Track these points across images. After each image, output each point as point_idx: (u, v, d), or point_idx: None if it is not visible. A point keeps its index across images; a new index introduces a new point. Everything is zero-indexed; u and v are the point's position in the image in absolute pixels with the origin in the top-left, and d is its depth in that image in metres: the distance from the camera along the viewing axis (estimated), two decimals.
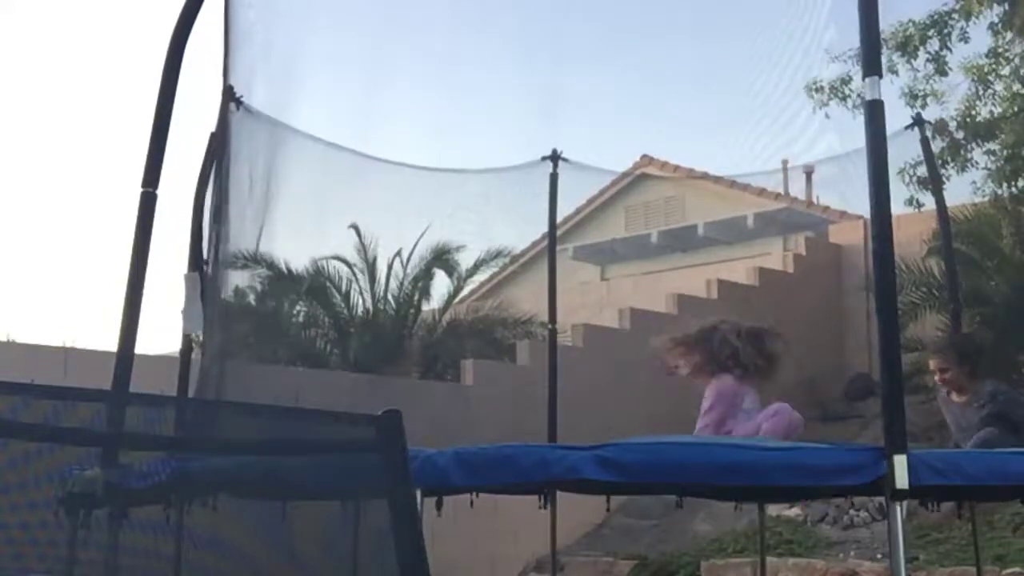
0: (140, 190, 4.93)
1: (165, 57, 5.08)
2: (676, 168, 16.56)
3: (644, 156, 17.37)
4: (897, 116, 8.68)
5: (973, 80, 12.13)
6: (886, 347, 4.02)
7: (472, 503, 5.40)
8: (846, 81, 11.93)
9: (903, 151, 8.87)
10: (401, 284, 12.17)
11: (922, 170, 10.70)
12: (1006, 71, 12.04)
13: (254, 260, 9.79)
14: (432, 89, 18.12)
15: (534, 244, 14.25)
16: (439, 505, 4.90)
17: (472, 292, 14.39)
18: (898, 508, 3.88)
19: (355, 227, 11.63)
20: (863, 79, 4.18)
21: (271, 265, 11.14)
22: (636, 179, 17.20)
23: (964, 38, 12.03)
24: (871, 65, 4.13)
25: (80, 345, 9.30)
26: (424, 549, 2.47)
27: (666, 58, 22.34)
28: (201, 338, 6.22)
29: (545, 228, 9.00)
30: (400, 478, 2.49)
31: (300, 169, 6.95)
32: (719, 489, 5.69)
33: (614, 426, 8.69)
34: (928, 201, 10.78)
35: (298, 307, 12.71)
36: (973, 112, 12.11)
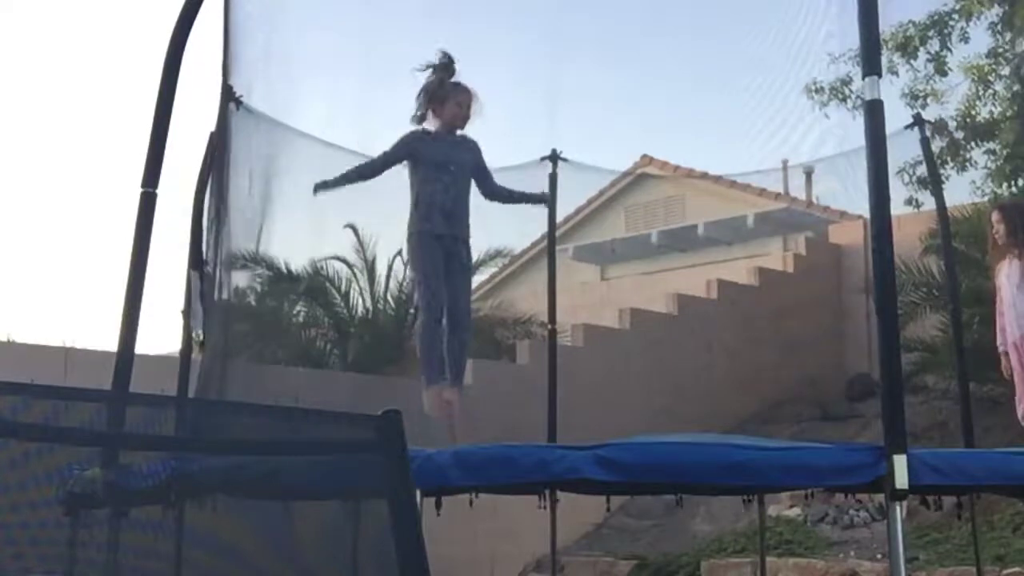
0: (140, 190, 4.93)
1: (165, 57, 5.07)
2: (676, 168, 16.56)
3: (644, 156, 17.37)
4: (897, 116, 8.69)
5: (973, 80, 12.14)
6: (886, 347, 4.03)
7: (472, 503, 5.41)
8: (846, 82, 11.93)
9: (903, 151, 8.88)
10: (401, 284, 12.16)
11: (921, 170, 10.72)
12: (1006, 71, 12.04)
13: (254, 260, 9.79)
14: None
15: (534, 244, 14.24)
16: (438, 505, 4.91)
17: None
18: (898, 508, 3.89)
19: (352, 227, 11.63)
20: (863, 78, 4.19)
21: (271, 265, 11.14)
22: (636, 179, 17.20)
23: (964, 38, 12.04)
24: (870, 65, 4.14)
25: (80, 345, 9.30)
26: (424, 549, 2.47)
27: (666, 57, 22.35)
28: (201, 338, 6.22)
29: (545, 228, 9.00)
30: (400, 478, 2.49)
31: (300, 169, 6.94)
32: (721, 486, 5.69)
33: (614, 426, 8.69)
34: (927, 201, 10.78)
35: (298, 307, 12.71)
36: (973, 112, 12.11)
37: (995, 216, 7.14)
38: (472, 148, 6.13)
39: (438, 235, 5.87)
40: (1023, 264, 6.79)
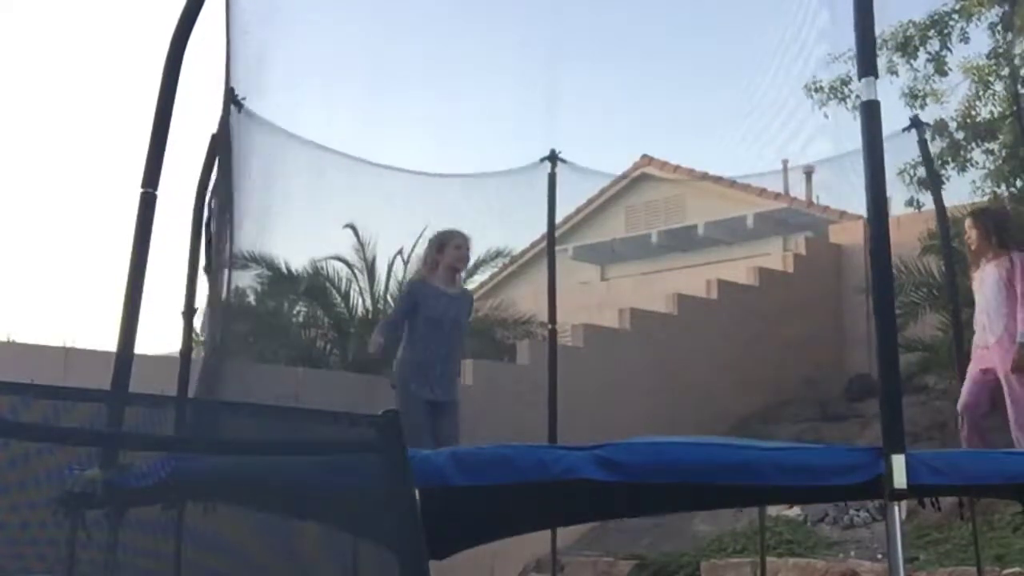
0: (140, 190, 4.93)
1: (165, 57, 5.07)
2: (676, 168, 16.57)
3: (644, 156, 17.38)
4: (897, 116, 8.71)
5: (973, 80, 12.14)
6: (884, 347, 4.03)
7: None
8: (846, 82, 11.93)
9: (903, 152, 8.88)
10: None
11: (922, 171, 10.70)
12: (1006, 71, 12.04)
13: (254, 260, 9.80)
14: (431, 91, 18.15)
15: (534, 244, 14.25)
16: None
17: (472, 292, 14.37)
18: (896, 508, 3.88)
19: (352, 227, 11.63)
20: (859, 79, 4.18)
21: (271, 265, 11.14)
22: (636, 179, 17.21)
23: (964, 38, 12.04)
24: (866, 66, 4.14)
25: (80, 345, 9.30)
26: (424, 549, 2.47)
27: (666, 58, 22.38)
28: (201, 338, 6.22)
29: (545, 228, 9.00)
30: (400, 478, 2.49)
31: (300, 170, 6.96)
32: (719, 493, 5.68)
33: (614, 426, 8.69)
34: (928, 201, 10.78)
35: (298, 307, 12.71)
36: (973, 112, 12.11)
37: (967, 223, 7.16)
38: (468, 302, 6.39)
39: (428, 401, 6.08)
40: (995, 268, 6.79)
